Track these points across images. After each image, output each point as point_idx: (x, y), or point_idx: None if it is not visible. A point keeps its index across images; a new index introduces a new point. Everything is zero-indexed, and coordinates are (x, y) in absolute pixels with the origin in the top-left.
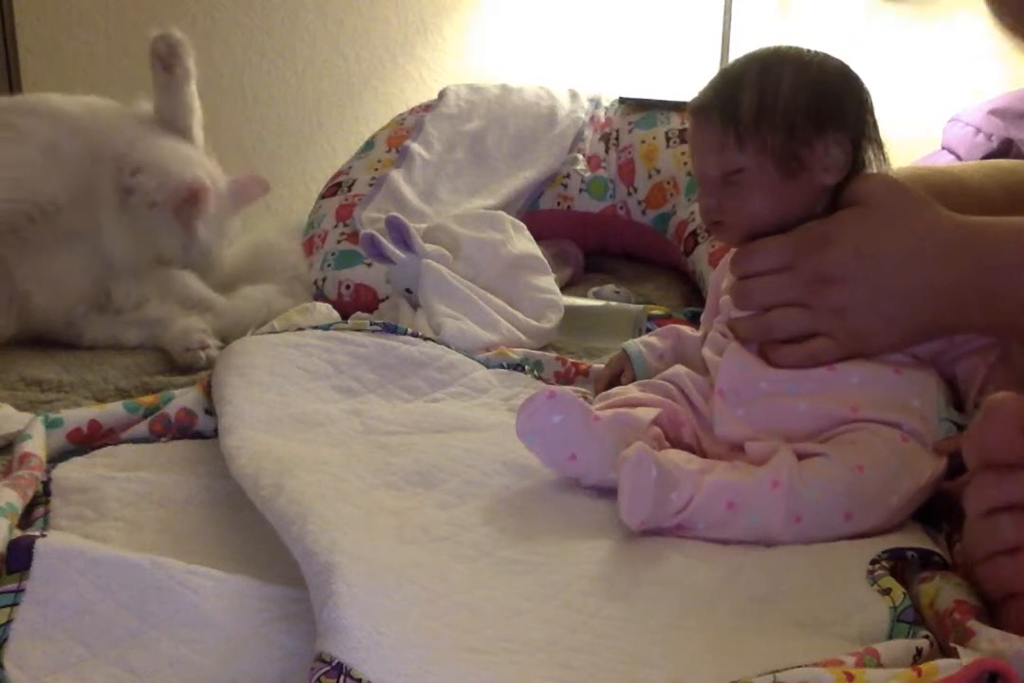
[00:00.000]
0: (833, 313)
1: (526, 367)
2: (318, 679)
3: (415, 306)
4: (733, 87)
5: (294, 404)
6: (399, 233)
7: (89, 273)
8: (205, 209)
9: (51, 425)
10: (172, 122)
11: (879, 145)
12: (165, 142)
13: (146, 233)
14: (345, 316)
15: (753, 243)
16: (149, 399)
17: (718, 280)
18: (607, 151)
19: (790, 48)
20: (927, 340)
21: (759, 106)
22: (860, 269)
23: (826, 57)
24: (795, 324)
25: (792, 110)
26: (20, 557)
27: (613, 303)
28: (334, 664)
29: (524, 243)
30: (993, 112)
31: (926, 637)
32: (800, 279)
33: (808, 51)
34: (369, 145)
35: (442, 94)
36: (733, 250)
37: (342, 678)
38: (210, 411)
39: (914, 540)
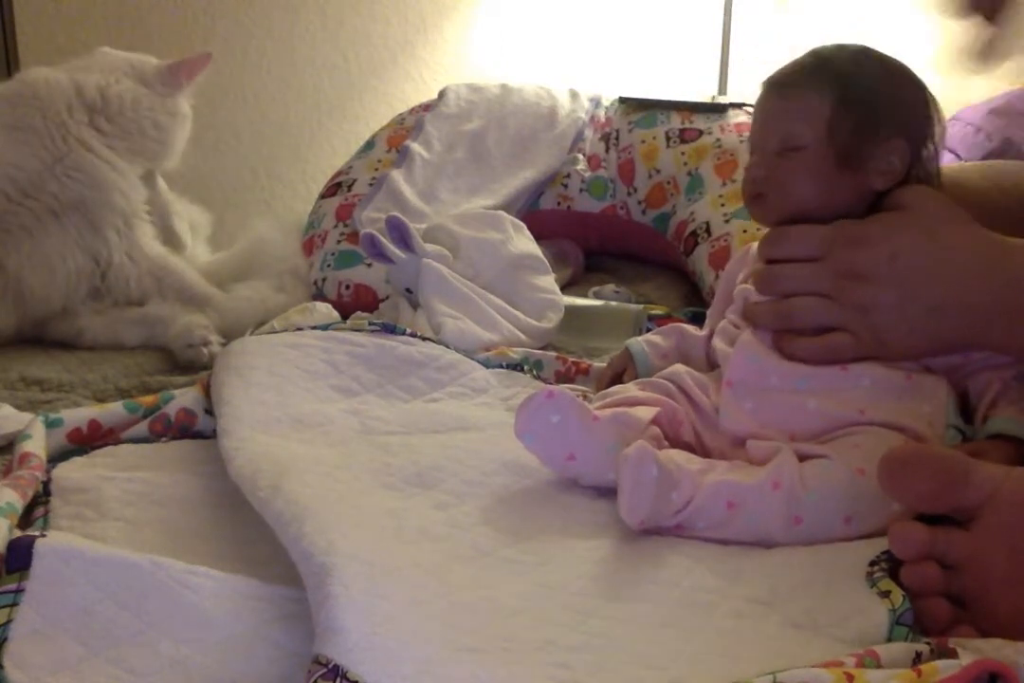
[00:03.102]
0: (857, 310)
1: (525, 367)
2: (315, 681)
3: (415, 306)
4: (824, 67)
5: (293, 404)
6: (399, 233)
7: (80, 248)
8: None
9: (51, 425)
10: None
11: (928, 170)
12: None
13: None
14: (345, 316)
15: (790, 227)
16: (149, 399)
17: (733, 271)
18: (607, 151)
19: (877, 51)
20: (944, 353)
21: (843, 92)
22: (893, 272)
23: (911, 72)
24: (816, 315)
25: (872, 107)
26: (20, 557)
27: (613, 303)
28: (331, 666)
29: (524, 243)
30: (993, 112)
31: (927, 644)
32: (830, 271)
33: (895, 60)
34: (369, 145)
35: (442, 94)
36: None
37: (339, 680)
38: (210, 411)
39: None
